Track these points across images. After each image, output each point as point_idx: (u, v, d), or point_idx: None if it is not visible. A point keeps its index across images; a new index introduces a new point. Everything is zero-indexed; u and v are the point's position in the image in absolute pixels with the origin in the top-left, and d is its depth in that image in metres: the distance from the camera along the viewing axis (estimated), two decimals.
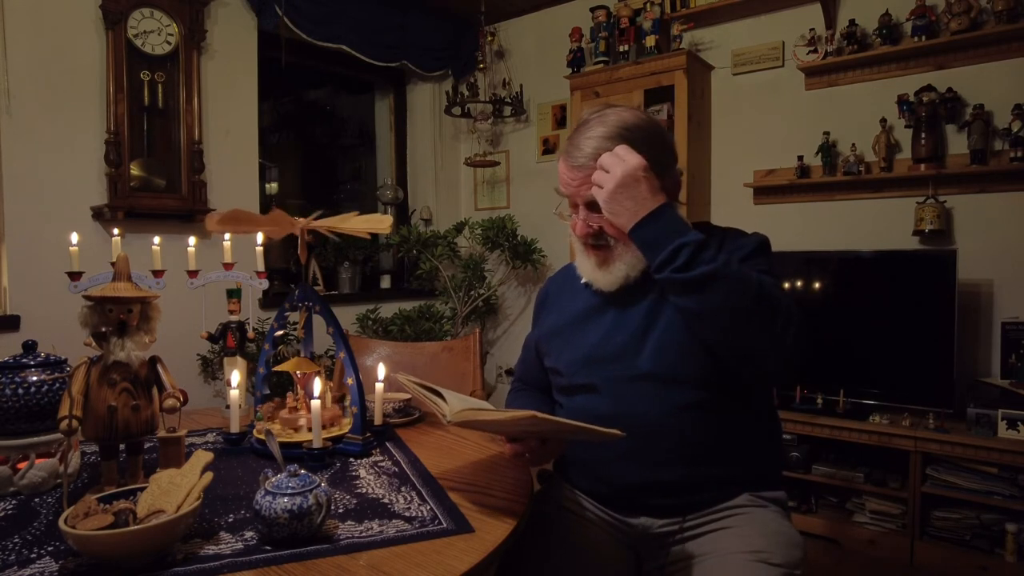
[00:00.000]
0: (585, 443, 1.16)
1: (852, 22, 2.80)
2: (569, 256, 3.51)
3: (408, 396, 1.57)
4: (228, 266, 1.48)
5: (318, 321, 1.36)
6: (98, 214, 2.63)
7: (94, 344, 1.00)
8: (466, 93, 3.76)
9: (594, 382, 1.17)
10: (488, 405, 1.09)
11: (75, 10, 2.57)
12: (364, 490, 1.07)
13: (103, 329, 0.98)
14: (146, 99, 2.72)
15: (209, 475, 0.90)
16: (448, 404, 1.05)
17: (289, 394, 1.39)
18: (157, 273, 1.37)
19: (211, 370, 2.89)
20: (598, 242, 1.16)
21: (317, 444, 1.17)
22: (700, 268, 0.99)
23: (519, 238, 3.70)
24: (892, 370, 2.60)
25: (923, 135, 2.65)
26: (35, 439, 1.09)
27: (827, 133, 2.90)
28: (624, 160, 1.05)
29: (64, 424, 0.91)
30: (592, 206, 1.12)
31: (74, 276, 1.29)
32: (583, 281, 1.24)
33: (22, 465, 1.05)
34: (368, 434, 1.29)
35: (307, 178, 4.18)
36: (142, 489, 0.88)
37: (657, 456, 1.11)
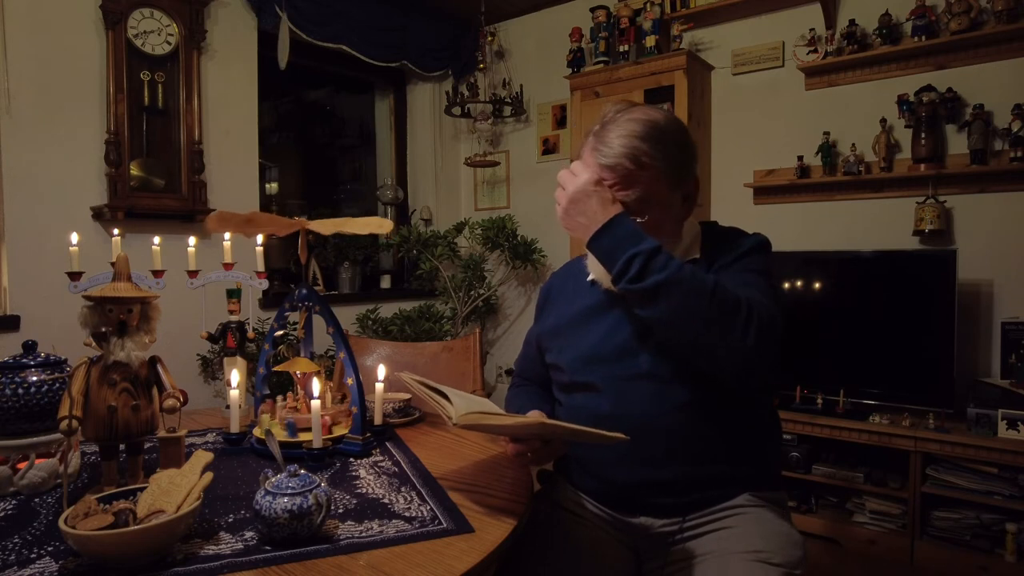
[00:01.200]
0: (587, 444, 1.15)
1: (852, 22, 2.80)
2: (569, 255, 3.52)
3: (408, 396, 1.57)
4: (228, 266, 1.48)
5: (318, 321, 1.36)
6: (98, 214, 2.63)
7: (94, 344, 1.00)
8: (466, 93, 3.76)
9: (594, 381, 1.17)
10: (493, 406, 1.09)
11: (75, 10, 2.57)
12: (364, 490, 1.07)
13: (103, 329, 0.98)
14: (146, 99, 2.72)
15: (209, 475, 0.90)
16: (453, 406, 1.03)
17: (289, 394, 1.40)
18: (157, 273, 1.37)
19: (211, 370, 2.89)
20: None
21: (317, 444, 1.17)
22: (652, 277, 0.98)
23: (519, 238, 3.70)
24: (892, 370, 2.60)
25: (923, 135, 2.65)
26: (35, 439, 1.09)
27: (827, 133, 2.90)
28: (576, 176, 1.06)
29: (64, 424, 0.91)
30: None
31: (74, 276, 1.29)
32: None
33: (22, 465, 1.05)
34: (368, 434, 1.29)
35: (307, 178, 4.18)
36: (142, 489, 0.88)
37: (657, 455, 1.11)
